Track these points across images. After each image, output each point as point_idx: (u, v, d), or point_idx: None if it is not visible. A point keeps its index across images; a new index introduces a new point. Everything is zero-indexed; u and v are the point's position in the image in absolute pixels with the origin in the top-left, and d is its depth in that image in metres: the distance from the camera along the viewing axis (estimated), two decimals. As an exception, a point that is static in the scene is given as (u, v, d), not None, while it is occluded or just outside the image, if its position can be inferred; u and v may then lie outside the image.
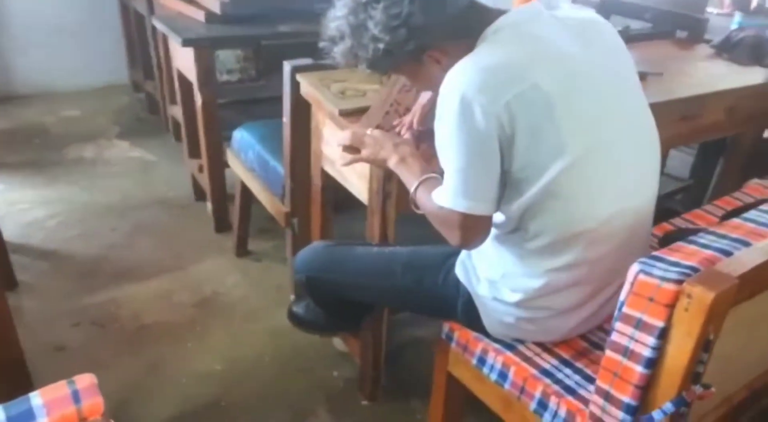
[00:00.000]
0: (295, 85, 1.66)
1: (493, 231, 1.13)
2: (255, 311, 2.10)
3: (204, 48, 2.14)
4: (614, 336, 0.96)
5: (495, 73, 1.01)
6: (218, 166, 2.38)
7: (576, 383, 1.14)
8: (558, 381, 1.15)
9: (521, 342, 1.24)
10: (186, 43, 2.08)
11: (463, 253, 1.25)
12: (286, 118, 1.73)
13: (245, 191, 2.22)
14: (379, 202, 1.46)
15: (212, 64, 2.18)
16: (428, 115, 1.42)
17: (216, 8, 2.18)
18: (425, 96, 1.41)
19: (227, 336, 1.99)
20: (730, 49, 2.25)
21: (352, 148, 1.32)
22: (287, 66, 1.65)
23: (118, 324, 2.01)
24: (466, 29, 1.08)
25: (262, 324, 2.04)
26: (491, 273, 1.17)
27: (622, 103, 1.10)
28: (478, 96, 0.98)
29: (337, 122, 1.51)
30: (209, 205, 2.49)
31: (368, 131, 1.32)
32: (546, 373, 1.16)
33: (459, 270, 1.24)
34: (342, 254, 1.40)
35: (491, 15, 1.09)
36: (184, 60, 2.30)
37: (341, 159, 1.36)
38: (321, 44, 1.19)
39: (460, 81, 1.00)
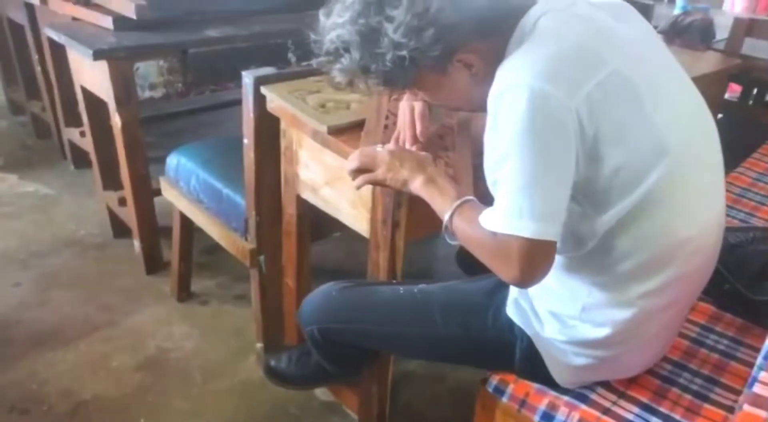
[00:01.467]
0: (260, 100, 1.38)
1: (560, 257, 0.94)
2: (215, 366, 1.78)
3: (121, 60, 1.79)
4: (757, 388, 0.80)
5: (567, 60, 0.83)
6: (146, 197, 2.02)
7: None
8: (651, 436, 0.98)
9: (588, 387, 1.06)
10: (98, 55, 1.73)
11: (514, 290, 1.04)
12: (247, 140, 1.45)
13: (186, 224, 1.90)
14: (386, 233, 1.22)
15: (132, 78, 1.83)
16: (432, 126, 1.21)
17: (130, 12, 1.83)
18: (417, 104, 1.19)
19: (188, 402, 1.66)
20: (680, 34, 2.22)
21: (362, 170, 1.08)
22: (248, 77, 1.37)
23: (46, 405, 1.63)
24: (496, 24, 0.90)
25: (227, 382, 1.73)
26: (563, 310, 0.97)
27: (684, 89, 0.95)
28: (552, 89, 0.80)
29: (324, 142, 1.25)
30: (136, 243, 2.12)
31: (379, 147, 1.09)
32: (636, 427, 0.99)
33: (512, 311, 1.04)
34: (364, 299, 1.16)
35: (518, 5, 0.91)
36: (92, 76, 1.93)
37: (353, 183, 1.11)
38: (317, 60, 0.95)
39: (524, 74, 0.81)
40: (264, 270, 1.61)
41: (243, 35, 1.99)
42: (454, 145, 1.22)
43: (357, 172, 1.07)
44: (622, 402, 1.04)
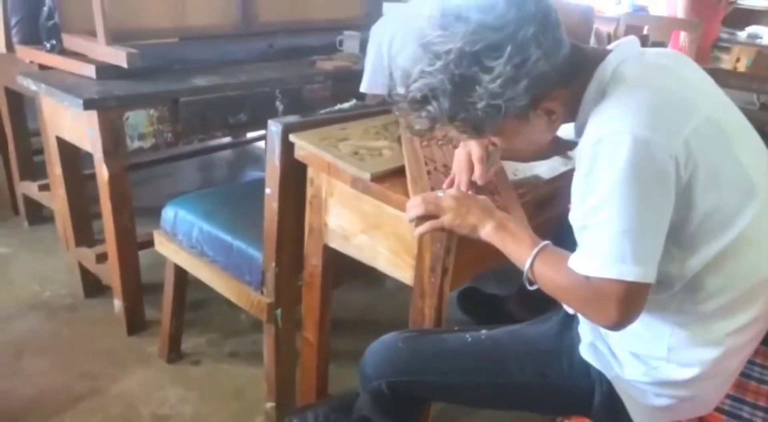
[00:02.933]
0: (286, 148, 1.34)
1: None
2: (220, 431, 1.67)
3: (111, 110, 1.70)
4: None
5: (664, 107, 0.86)
6: (131, 252, 1.91)
7: None
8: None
9: (664, 426, 1.06)
10: (89, 104, 1.64)
11: (588, 334, 1.04)
12: (270, 189, 1.40)
13: (180, 280, 1.80)
14: (435, 280, 1.20)
15: (122, 129, 1.75)
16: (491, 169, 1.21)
17: (120, 61, 1.76)
18: (475, 148, 1.20)
19: (198, 472, 1.54)
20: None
21: (425, 217, 1.06)
22: (275, 126, 1.33)
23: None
24: (575, 72, 0.92)
25: (235, 447, 1.62)
26: (647, 351, 0.98)
27: (751, 128, 1.00)
28: (654, 136, 0.82)
29: (366, 189, 1.23)
30: (117, 303, 1.98)
31: (440, 193, 1.08)
32: (720, 463, 1.00)
33: (589, 355, 1.04)
34: (433, 349, 1.12)
35: (592, 54, 0.95)
36: (74, 126, 1.82)
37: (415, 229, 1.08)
38: (397, 107, 0.94)
39: (626, 122, 0.83)
40: (280, 324, 1.53)
41: (232, 84, 1.95)
42: (497, 188, 1.23)
43: (421, 218, 1.05)
44: (701, 442, 1.05)
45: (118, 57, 1.76)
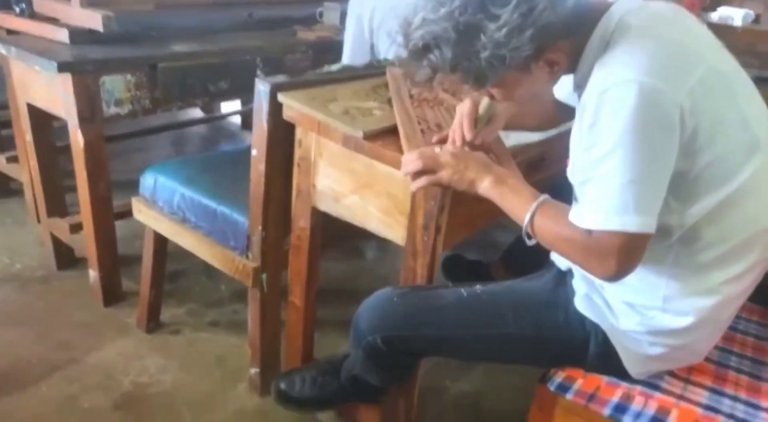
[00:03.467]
0: (275, 108, 1.32)
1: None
2: (202, 399, 1.65)
3: (87, 74, 1.65)
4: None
5: (670, 56, 0.86)
6: (108, 222, 1.86)
7: (747, 413, 1.03)
8: (731, 416, 1.02)
9: (655, 376, 1.09)
10: (63, 67, 1.59)
11: (584, 286, 1.06)
12: (257, 151, 1.38)
13: (160, 248, 1.76)
14: (428, 239, 1.20)
15: (98, 94, 1.70)
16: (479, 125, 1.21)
17: (96, 24, 1.71)
18: (465, 104, 1.20)
19: (182, 440, 1.53)
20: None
21: (422, 172, 1.06)
22: (264, 85, 1.31)
23: (16, 457, 1.43)
24: (578, 22, 0.92)
25: (219, 414, 1.60)
26: (642, 301, 1.00)
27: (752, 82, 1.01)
28: (660, 84, 0.83)
29: (359, 147, 1.22)
30: (93, 274, 1.94)
31: (437, 149, 1.07)
32: (711, 409, 1.03)
33: (584, 307, 1.05)
34: (429, 303, 1.12)
35: (595, 4, 0.95)
36: (47, 92, 1.76)
37: (412, 184, 1.08)
38: (396, 56, 0.94)
39: (632, 71, 0.84)
40: (266, 288, 1.52)
41: (213, 51, 1.92)
42: (492, 148, 1.23)
43: (418, 173, 1.05)
44: (691, 388, 1.08)
45: (94, 20, 1.71)
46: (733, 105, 0.89)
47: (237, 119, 3.63)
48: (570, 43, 0.93)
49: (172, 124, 3.16)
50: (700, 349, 1.07)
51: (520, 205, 0.99)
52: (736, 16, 3.68)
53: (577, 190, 0.94)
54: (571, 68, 0.96)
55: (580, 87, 0.97)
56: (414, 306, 1.12)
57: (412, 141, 1.18)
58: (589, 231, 0.89)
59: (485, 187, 1.02)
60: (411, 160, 1.05)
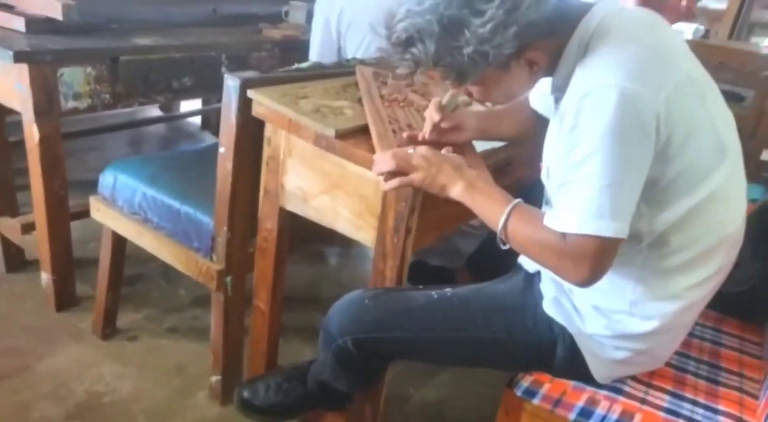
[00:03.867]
0: (244, 105, 1.28)
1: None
2: (161, 407, 1.58)
3: (45, 65, 1.58)
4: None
5: (649, 63, 0.86)
6: (63, 222, 1.78)
7: (705, 417, 1.05)
8: (691, 420, 1.03)
9: (619, 381, 1.09)
10: (20, 57, 1.51)
11: (552, 289, 1.06)
12: (225, 149, 1.33)
13: (118, 249, 1.70)
14: (398, 241, 1.18)
15: (56, 86, 1.62)
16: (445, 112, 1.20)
17: (56, 13, 1.63)
18: (432, 105, 1.19)
19: (139, 450, 1.46)
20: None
21: (395, 173, 1.04)
22: (233, 80, 1.27)
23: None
24: (559, 23, 0.92)
25: (179, 422, 1.55)
26: (609, 304, 1.00)
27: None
28: (639, 89, 0.83)
29: (330, 147, 1.19)
30: (45, 276, 1.85)
31: (410, 150, 1.05)
32: (672, 413, 1.04)
33: (552, 310, 1.05)
34: (401, 305, 1.10)
35: (575, 6, 0.95)
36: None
37: (383, 184, 1.06)
38: (379, 48, 0.92)
39: (613, 74, 0.84)
40: (230, 292, 1.47)
41: (177, 46, 1.86)
42: (463, 152, 1.21)
43: (391, 174, 1.03)
44: (653, 392, 1.09)
45: (53, 8, 1.64)
46: (704, 113, 0.90)
47: (197, 119, 3.55)
48: (551, 43, 0.92)
49: (129, 123, 3.06)
50: (662, 354, 1.08)
51: (493, 209, 0.97)
52: (687, 30, 3.80)
53: (553, 194, 0.93)
54: (549, 71, 0.96)
55: (559, 89, 0.96)
56: (385, 308, 1.10)
57: (384, 140, 1.16)
58: (564, 235, 0.88)
59: (457, 191, 1.00)
60: (384, 161, 1.03)
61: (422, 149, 1.05)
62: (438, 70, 0.90)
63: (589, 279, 0.89)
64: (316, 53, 1.98)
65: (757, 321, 1.34)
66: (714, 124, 0.91)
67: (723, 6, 5.60)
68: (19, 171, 1.86)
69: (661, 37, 0.94)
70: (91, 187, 1.70)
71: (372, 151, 1.15)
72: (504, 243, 0.97)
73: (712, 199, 0.92)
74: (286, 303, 1.57)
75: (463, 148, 1.19)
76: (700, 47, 3.62)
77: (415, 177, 1.02)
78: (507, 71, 0.92)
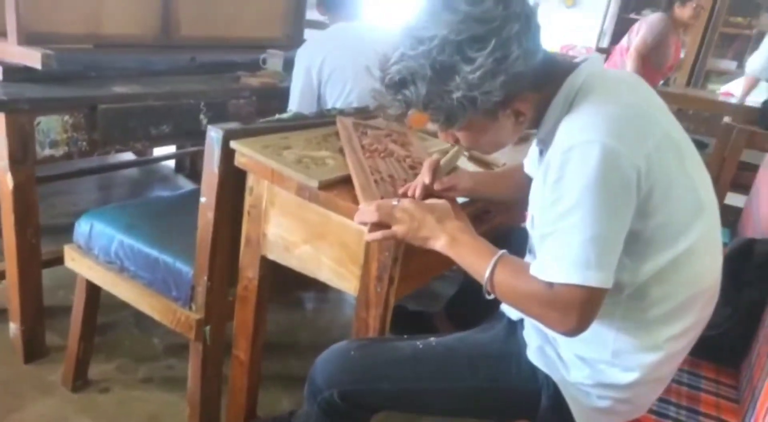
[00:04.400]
0: (226, 155, 1.29)
1: None
2: (136, 462, 1.54)
3: (22, 113, 1.57)
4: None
5: (630, 121, 0.90)
6: (35, 271, 1.74)
7: None
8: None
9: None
10: (-2, 106, 1.51)
11: (536, 338, 1.07)
12: (206, 198, 1.34)
13: (92, 298, 1.66)
14: (381, 290, 1.19)
15: (32, 134, 1.61)
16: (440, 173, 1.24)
17: (35, 62, 1.64)
18: (430, 158, 1.22)
19: None
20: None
21: (379, 225, 1.06)
22: (215, 131, 1.28)
23: None
24: (546, 77, 0.96)
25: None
26: (592, 354, 1.01)
27: None
28: (620, 146, 0.86)
29: (313, 197, 1.21)
30: (13, 327, 1.80)
31: (395, 201, 1.07)
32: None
33: (536, 358, 1.06)
34: (386, 356, 1.09)
35: (562, 64, 1.00)
36: (-27, 130, 1.66)
37: (366, 234, 1.07)
38: (372, 89, 0.98)
39: (596, 132, 0.87)
40: (209, 341, 1.45)
41: (156, 93, 1.87)
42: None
43: (375, 225, 1.05)
44: (635, 440, 1.10)
45: (32, 57, 1.64)
46: (682, 170, 0.93)
47: (170, 162, 3.54)
48: (537, 97, 0.96)
49: (101, 167, 3.03)
50: (644, 402, 1.09)
51: (478, 262, 0.99)
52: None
53: (537, 243, 0.95)
54: (535, 123, 1.00)
55: (543, 142, 1.00)
56: (371, 359, 1.10)
57: (367, 191, 1.18)
58: (551, 285, 0.90)
59: (440, 245, 1.01)
60: (367, 211, 1.05)
61: (405, 202, 1.07)
62: (428, 112, 0.93)
63: (576, 328, 0.91)
64: (296, 102, 2.01)
65: (731, 365, 1.37)
66: (692, 182, 0.95)
67: (681, 55, 5.87)
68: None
69: (642, 97, 0.98)
70: (62, 232, 1.68)
71: (354, 201, 1.17)
72: (489, 294, 0.99)
73: (690, 253, 0.94)
74: (264, 350, 1.56)
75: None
76: (661, 96, 3.78)
77: (398, 230, 1.03)
78: (494, 120, 0.95)
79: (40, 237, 1.73)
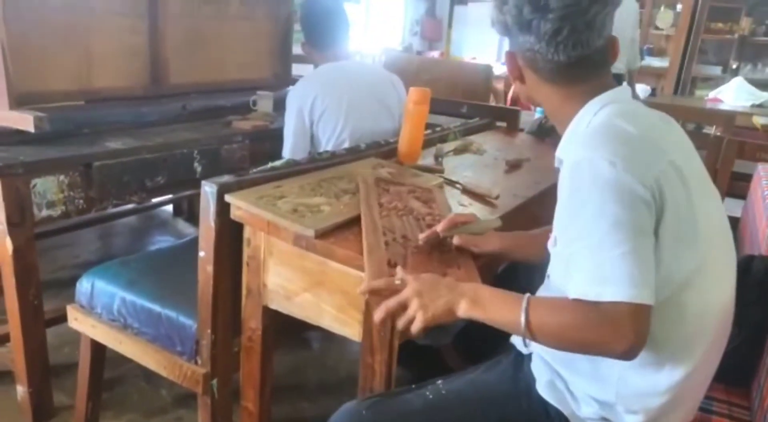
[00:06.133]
0: (222, 209, 1.30)
1: None
2: None
3: (17, 177, 1.58)
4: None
5: (640, 144, 0.93)
6: (38, 332, 1.74)
7: None
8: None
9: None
10: (-8, 172, 1.52)
11: (545, 372, 1.07)
12: (205, 252, 1.34)
13: (97, 357, 1.66)
14: (385, 335, 1.19)
15: (29, 197, 1.62)
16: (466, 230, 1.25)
17: (27, 125, 1.66)
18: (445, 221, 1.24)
19: None
20: (547, 134, 2.52)
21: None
22: (210, 186, 1.29)
23: None
24: (569, 76, 1.02)
25: None
26: (599, 394, 1.01)
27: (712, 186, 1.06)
28: (629, 166, 0.88)
29: (310, 246, 1.21)
30: (21, 389, 1.79)
31: (397, 279, 1.04)
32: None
33: (547, 393, 1.06)
34: (398, 412, 1.08)
35: (600, 80, 1.03)
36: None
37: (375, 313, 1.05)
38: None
39: (604, 150, 0.90)
40: (216, 395, 1.45)
41: (149, 146, 1.89)
42: (459, 264, 1.22)
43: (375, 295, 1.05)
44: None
45: (25, 121, 1.66)
46: (688, 201, 0.93)
47: (168, 207, 3.55)
48: (558, 90, 1.03)
49: (101, 217, 3.04)
50: None
51: (507, 313, 0.95)
52: (640, 92, 4.02)
53: (562, 264, 0.96)
54: (555, 119, 1.08)
55: (559, 161, 1.03)
56: (383, 418, 1.08)
57: (375, 254, 1.16)
58: (597, 305, 0.86)
59: (464, 309, 0.98)
60: (378, 311, 1.03)
61: (410, 278, 1.03)
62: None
63: (634, 344, 0.86)
64: (290, 144, 2.02)
65: (741, 384, 1.36)
66: (696, 214, 0.94)
67: (666, 64, 5.93)
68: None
69: (655, 123, 1.02)
70: (64, 287, 1.68)
71: (352, 248, 1.18)
72: (527, 345, 1.00)
73: (687, 289, 0.94)
74: (273, 393, 1.55)
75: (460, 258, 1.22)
76: (654, 103, 3.82)
77: (410, 311, 1.00)
78: (543, 83, 1.04)
79: (42, 298, 1.73)
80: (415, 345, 1.96)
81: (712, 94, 4.72)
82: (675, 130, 1.05)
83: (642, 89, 4.09)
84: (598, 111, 0.99)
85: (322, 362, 2.25)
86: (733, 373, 1.33)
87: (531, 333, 0.92)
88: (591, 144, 0.93)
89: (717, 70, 5.95)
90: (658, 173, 0.90)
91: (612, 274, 0.85)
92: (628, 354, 0.88)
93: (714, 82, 5.58)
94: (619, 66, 3.99)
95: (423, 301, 0.99)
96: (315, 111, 1.97)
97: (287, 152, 1.99)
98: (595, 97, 1.01)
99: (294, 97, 2.01)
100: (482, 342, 1.33)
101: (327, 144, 2.00)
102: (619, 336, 0.85)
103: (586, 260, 0.88)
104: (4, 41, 1.66)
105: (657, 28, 6.26)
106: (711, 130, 4.30)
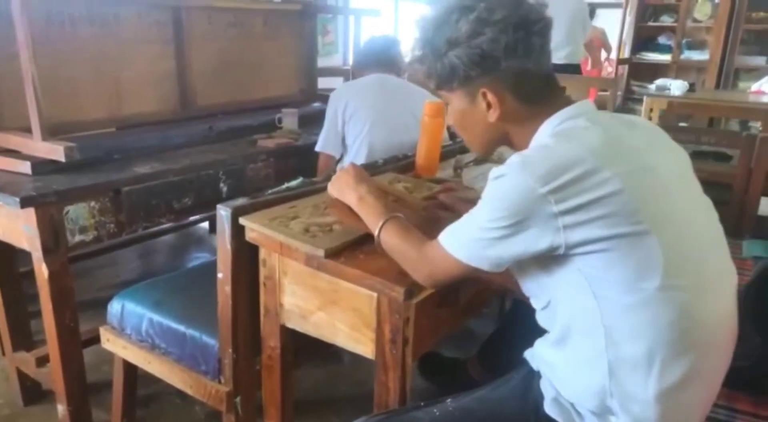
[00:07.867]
0: (237, 231, 1.34)
1: (573, 347, 1.00)
2: None
3: (51, 205, 1.66)
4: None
5: (567, 168, 0.92)
6: (76, 352, 1.81)
7: None
8: None
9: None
10: (27, 202, 1.59)
11: (551, 389, 1.06)
12: (222, 274, 1.38)
13: (130, 376, 1.72)
14: (396, 352, 1.20)
15: (62, 224, 1.70)
16: None
17: (58, 155, 1.73)
18: None
19: None
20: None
21: None
22: (224, 210, 1.33)
23: None
24: (533, 96, 1.03)
25: None
26: (600, 410, 0.99)
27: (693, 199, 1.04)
28: (543, 188, 0.92)
29: (321, 266, 1.23)
30: (61, 408, 1.86)
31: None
32: None
33: (553, 410, 1.05)
34: None
35: (563, 100, 1.05)
36: (7, 225, 1.75)
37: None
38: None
39: (528, 171, 0.93)
40: (240, 412, 1.48)
41: (175, 169, 1.95)
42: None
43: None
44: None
45: (56, 152, 1.74)
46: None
47: (204, 224, 3.64)
48: (523, 112, 1.04)
49: (137, 237, 3.15)
50: None
51: (372, 220, 1.23)
52: (673, 86, 3.91)
53: None
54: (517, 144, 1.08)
55: None
56: None
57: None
58: (431, 243, 1.08)
59: (353, 203, 1.31)
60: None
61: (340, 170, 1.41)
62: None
63: (427, 279, 1.11)
64: (322, 140, 2.21)
65: (769, 395, 1.31)
66: (656, 218, 0.92)
67: (706, 56, 5.77)
68: (32, 297, 1.91)
69: (607, 143, 0.97)
70: (103, 307, 1.74)
71: (363, 266, 1.20)
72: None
73: (658, 300, 0.92)
74: (301, 406, 1.57)
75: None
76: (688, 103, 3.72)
77: (330, 190, 1.40)
78: (472, 100, 1.05)
79: (77, 320, 1.80)
80: (441, 358, 1.97)
81: (755, 87, 4.56)
82: (636, 135, 1.03)
83: (681, 84, 3.97)
84: (559, 124, 1.01)
85: (353, 375, 2.26)
86: (759, 384, 1.29)
87: (379, 244, 1.19)
88: (522, 159, 0.96)
89: (761, 61, 5.74)
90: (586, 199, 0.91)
91: (461, 234, 1.02)
92: (423, 283, 1.12)
93: (758, 74, 5.39)
94: (560, 55, 4.45)
95: (337, 184, 1.39)
96: (346, 113, 2.14)
97: (319, 145, 2.20)
98: (553, 114, 1.02)
99: (333, 99, 2.19)
100: (507, 356, 1.33)
101: (353, 145, 2.16)
102: (422, 265, 1.10)
103: (459, 222, 1.04)
104: (35, 75, 1.75)
105: (695, 20, 6.09)
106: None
